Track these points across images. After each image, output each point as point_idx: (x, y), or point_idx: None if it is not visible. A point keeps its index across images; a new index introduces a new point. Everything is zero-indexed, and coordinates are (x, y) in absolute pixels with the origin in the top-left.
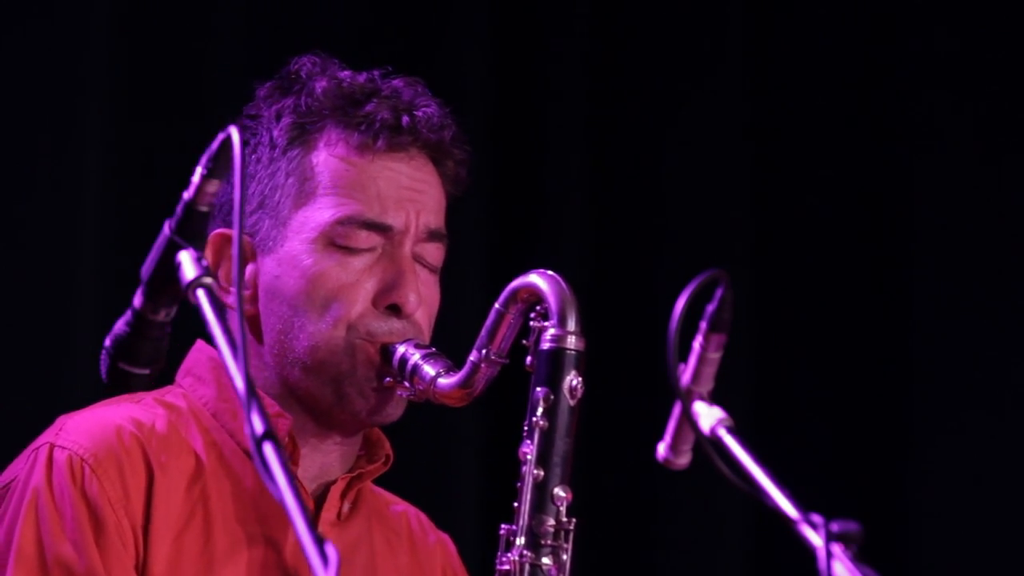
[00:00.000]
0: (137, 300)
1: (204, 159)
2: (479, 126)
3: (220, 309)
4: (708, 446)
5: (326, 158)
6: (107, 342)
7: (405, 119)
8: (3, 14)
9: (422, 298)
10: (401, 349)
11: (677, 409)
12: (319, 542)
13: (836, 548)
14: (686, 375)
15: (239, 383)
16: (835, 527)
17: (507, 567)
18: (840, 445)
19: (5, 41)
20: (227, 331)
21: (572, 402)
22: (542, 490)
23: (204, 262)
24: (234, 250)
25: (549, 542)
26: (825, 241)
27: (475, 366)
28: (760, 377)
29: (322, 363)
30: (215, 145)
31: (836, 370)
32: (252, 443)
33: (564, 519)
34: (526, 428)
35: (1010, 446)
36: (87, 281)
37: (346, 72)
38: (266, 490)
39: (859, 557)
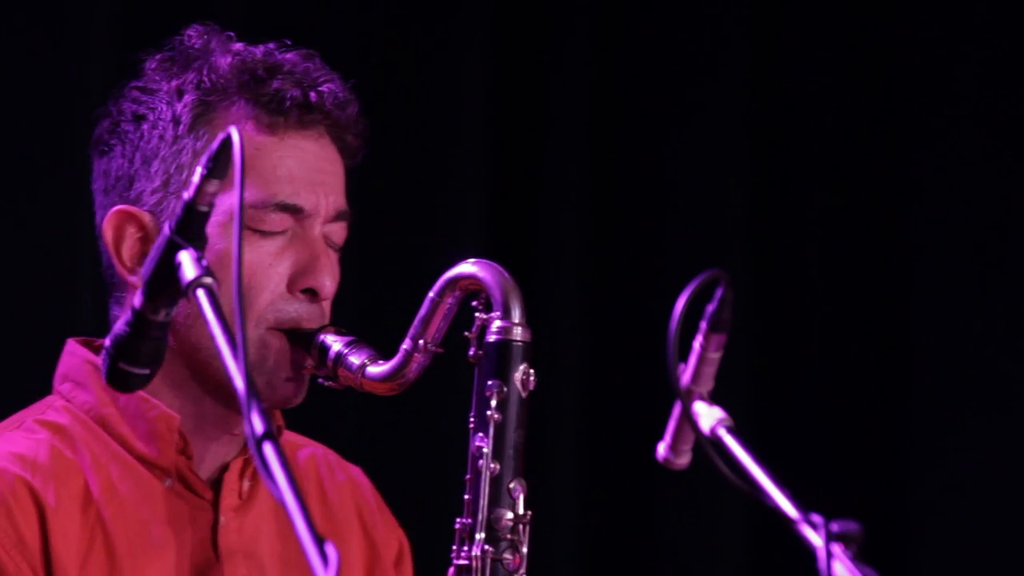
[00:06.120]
0: (137, 300)
1: (204, 159)
2: (479, 124)
3: (220, 309)
4: (708, 446)
5: None
6: (107, 342)
7: (313, 95)
8: (3, 13)
9: (336, 282)
10: (320, 337)
11: (677, 409)
12: (319, 542)
13: (836, 548)
14: (686, 375)
15: (239, 383)
16: (835, 527)
17: (466, 562)
18: (840, 445)
19: (5, 39)
20: (227, 331)
21: (524, 394)
22: (498, 484)
23: (204, 262)
24: (235, 250)
25: (508, 536)
26: (825, 241)
27: (408, 355)
28: (760, 377)
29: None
30: (215, 145)
31: (836, 370)
32: (252, 443)
33: (521, 512)
34: (474, 421)
35: (1010, 446)
36: (87, 281)
37: (239, 44)
38: (164, 494)
39: (859, 557)
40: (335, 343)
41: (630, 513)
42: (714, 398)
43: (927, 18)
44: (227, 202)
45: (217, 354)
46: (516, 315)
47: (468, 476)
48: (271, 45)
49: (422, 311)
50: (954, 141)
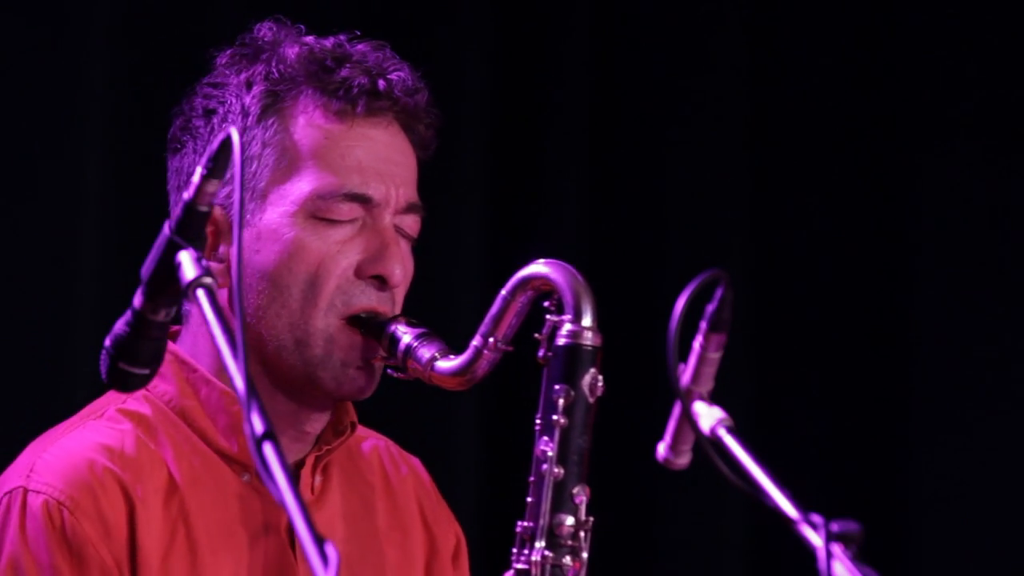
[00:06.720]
0: (137, 300)
1: (204, 159)
2: (480, 124)
3: (220, 308)
4: (708, 446)
5: (303, 127)
6: (107, 342)
7: (381, 83)
8: (3, 13)
9: (406, 271)
10: (391, 327)
11: (677, 409)
12: (319, 542)
13: (836, 548)
14: (686, 375)
15: (239, 383)
16: (835, 527)
17: (525, 566)
18: (840, 445)
19: (5, 39)
20: (227, 331)
21: (591, 399)
22: (562, 489)
23: (204, 262)
24: (235, 250)
25: (569, 542)
26: (825, 241)
27: (478, 352)
28: (760, 377)
29: (298, 342)
30: (215, 144)
31: (836, 370)
32: (252, 443)
33: (583, 518)
34: (540, 424)
35: (1010, 446)
36: (87, 281)
37: (310, 37)
38: (243, 489)
39: (859, 557)
40: (405, 334)
41: (630, 513)
42: (714, 398)
43: (926, 17)
44: (293, 192)
45: (285, 346)
46: (587, 319)
47: (531, 479)
48: (341, 37)
49: (493, 309)
50: (954, 140)
